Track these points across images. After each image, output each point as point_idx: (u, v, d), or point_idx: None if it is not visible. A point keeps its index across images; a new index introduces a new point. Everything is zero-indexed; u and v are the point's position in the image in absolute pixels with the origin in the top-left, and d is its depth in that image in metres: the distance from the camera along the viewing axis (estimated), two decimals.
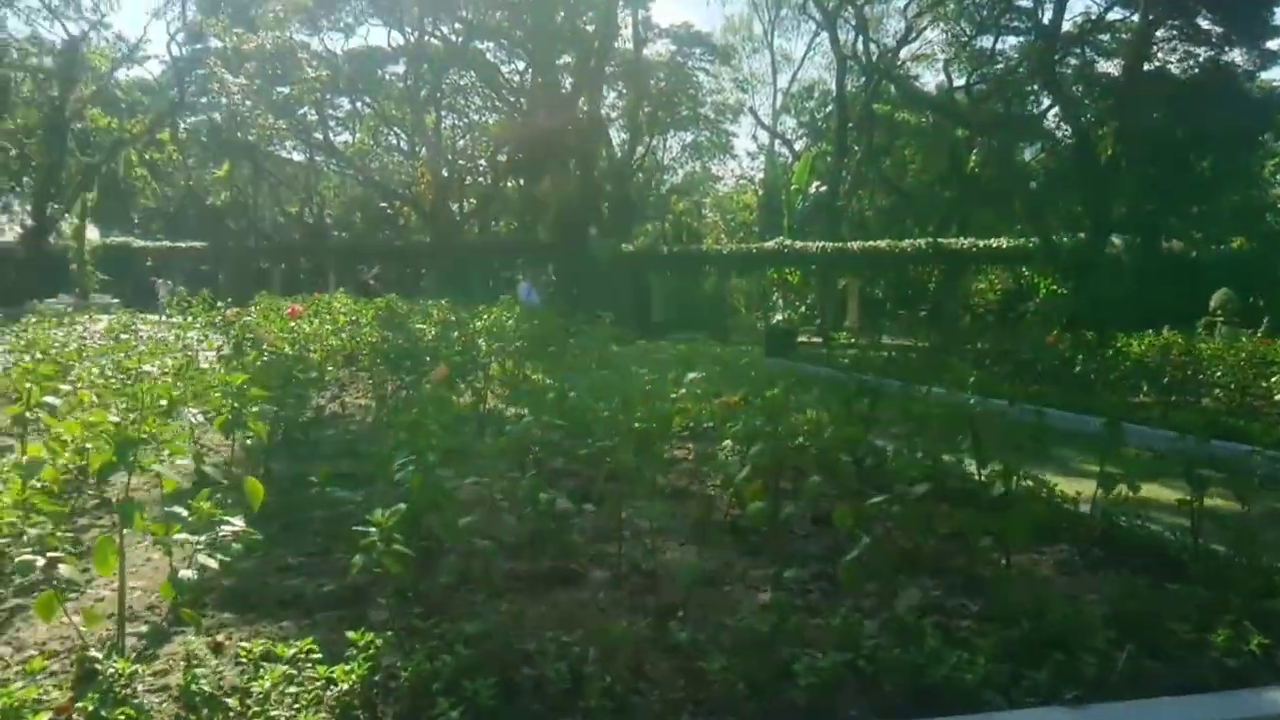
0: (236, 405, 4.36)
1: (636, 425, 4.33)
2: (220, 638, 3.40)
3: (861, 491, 5.04)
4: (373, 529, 3.17)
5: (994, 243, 27.59)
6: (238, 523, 3.16)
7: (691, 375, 6.40)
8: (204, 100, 43.58)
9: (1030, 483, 5.03)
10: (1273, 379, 11.78)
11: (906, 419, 5.47)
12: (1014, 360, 15.01)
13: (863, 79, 38.10)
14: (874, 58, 37.12)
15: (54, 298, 31.47)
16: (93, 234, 42.46)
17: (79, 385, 6.12)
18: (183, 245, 45.47)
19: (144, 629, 3.47)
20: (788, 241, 30.22)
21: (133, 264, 42.16)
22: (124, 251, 43.96)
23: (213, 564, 3.01)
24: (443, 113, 44.46)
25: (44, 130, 38.00)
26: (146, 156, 49.60)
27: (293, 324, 10.02)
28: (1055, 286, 26.81)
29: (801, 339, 23.99)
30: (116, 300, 33.02)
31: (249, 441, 6.36)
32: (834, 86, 39.28)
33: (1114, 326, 17.60)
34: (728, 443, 5.98)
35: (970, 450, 5.36)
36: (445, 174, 42.96)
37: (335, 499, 4.09)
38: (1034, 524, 4.45)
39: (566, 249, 28.05)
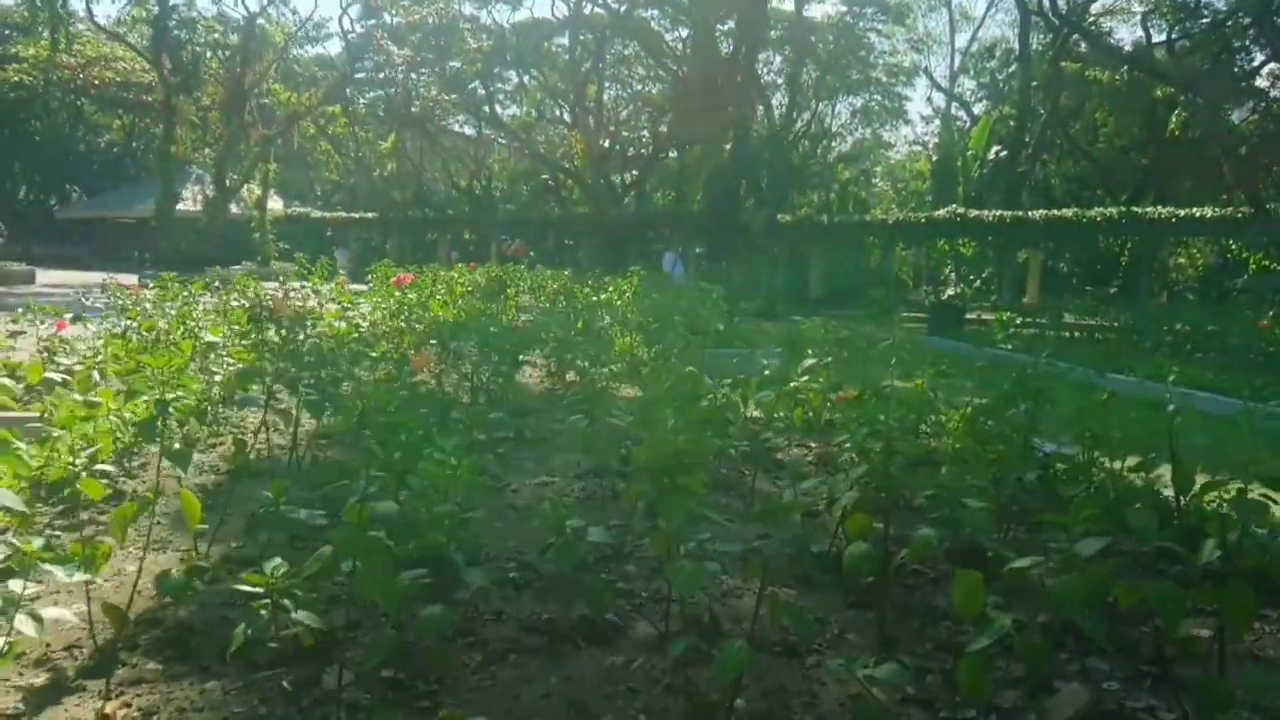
0: (161, 396, 3.53)
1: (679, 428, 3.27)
2: (113, 706, 2.60)
3: (1007, 527, 3.84)
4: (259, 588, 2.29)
5: (1196, 212, 24.53)
6: (61, 572, 2.36)
7: (809, 361, 5.27)
8: (381, 75, 44.58)
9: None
10: None
11: (1080, 428, 4.18)
12: (1220, 346, 13.06)
13: (1049, 36, 35.01)
14: (1062, 12, 33.94)
15: (237, 265, 32.67)
16: (275, 204, 44.41)
17: (93, 360, 5.56)
18: (356, 216, 47.13)
19: (40, 681, 2.73)
20: (960, 210, 28.00)
21: (312, 233, 43.85)
22: (303, 221, 46.07)
23: (30, 631, 2.23)
24: (605, 84, 43.91)
25: (226, 104, 39.78)
26: (328, 130, 51.59)
27: (396, 295, 9.40)
28: (1268, 262, 23.87)
29: (971, 316, 22.09)
30: (295, 268, 34.01)
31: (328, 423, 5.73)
32: (1017, 45, 36.32)
33: None
34: (845, 448, 4.88)
35: (1165, 461, 4.07)
36: (605, 145, 42.42)
37: (295, 520, 3.27)
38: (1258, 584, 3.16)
39: (718, 220, 26.83)
